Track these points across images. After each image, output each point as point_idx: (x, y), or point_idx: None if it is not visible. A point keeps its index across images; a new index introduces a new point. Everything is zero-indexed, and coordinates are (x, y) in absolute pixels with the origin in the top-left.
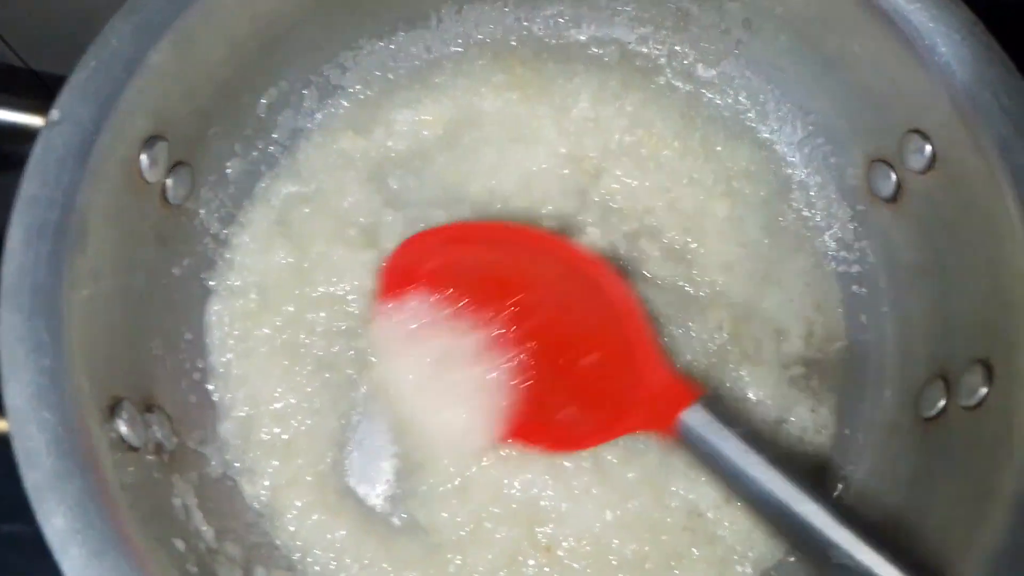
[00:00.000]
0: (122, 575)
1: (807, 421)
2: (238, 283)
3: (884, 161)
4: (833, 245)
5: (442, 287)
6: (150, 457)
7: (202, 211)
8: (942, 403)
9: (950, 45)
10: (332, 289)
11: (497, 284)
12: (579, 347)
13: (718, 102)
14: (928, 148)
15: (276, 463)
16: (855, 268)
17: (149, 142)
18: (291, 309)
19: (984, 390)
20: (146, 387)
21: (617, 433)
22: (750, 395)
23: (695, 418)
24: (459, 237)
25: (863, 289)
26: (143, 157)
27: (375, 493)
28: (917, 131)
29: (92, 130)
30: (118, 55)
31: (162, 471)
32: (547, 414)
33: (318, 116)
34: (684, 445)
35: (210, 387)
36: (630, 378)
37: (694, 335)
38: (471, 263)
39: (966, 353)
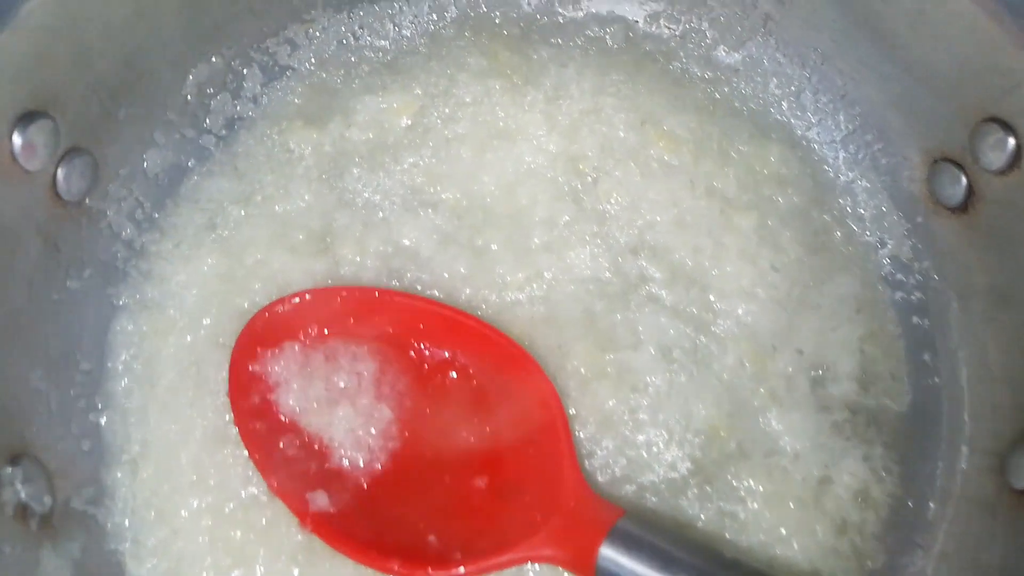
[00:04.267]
0: None
1: (859, 479)
2: (152, 295)
3: (951, 160)
4: (887, 265)
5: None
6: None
7: (110, 211)
8: None
9: None
10: (268, 299)
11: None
12: (477, 460)
13: (743, 92)
14: (1011, 141)
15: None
16: (915, 294)
17: (25, 119)
18: (211, 323)
19: None
20: (15, 431)
21: (511, 563)
22: (784, 446)
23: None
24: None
25: (926, 320)
26: (16, 138)
27: None
28: (996, 120)
29: None
30: None
31: (24, 544)
32: (422, 533)
33: (263, 100)
34: None
35: (105, 427)
36: (538, 498)
37: (709, 374)
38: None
39: None
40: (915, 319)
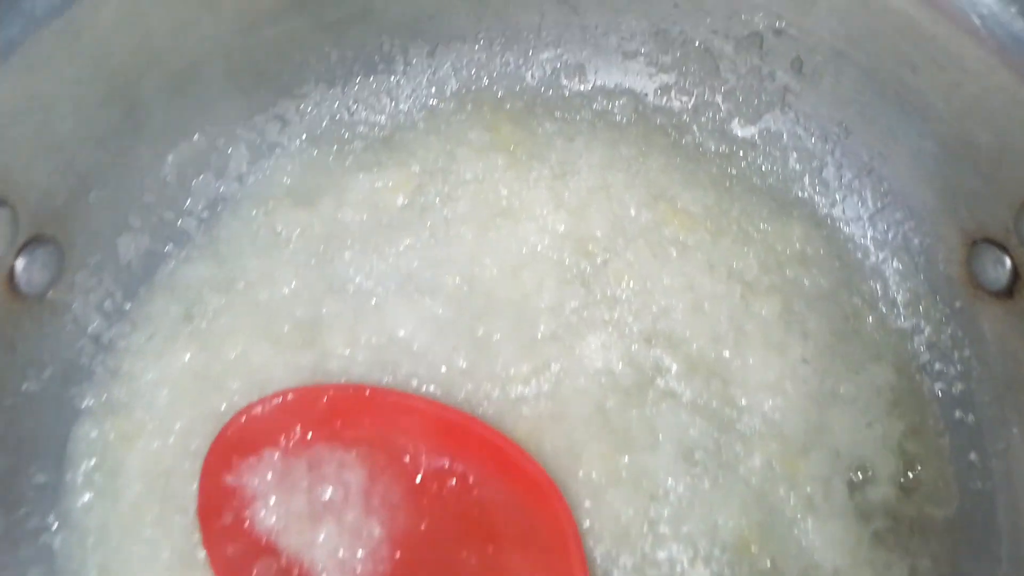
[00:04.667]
0: None
1: None
2: (120, 396)
3: (993, 241)
4: (924, 353)
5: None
6: None
7: (76, 303)
8: None
9: None
10: (248, 400)
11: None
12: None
13: (761, 167)
14: None
15: None
16: (958, 386)
17: None
18: (183, 426)
19: None
20: None
21: None
22: (822, 560)
23: None
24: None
25: (971, 415)
26: None
27: None
28: None
29: None
30: None
31: None
32: None
33: (248, 180)
34: None
35: (59, 551)
36: None
37: (735, 478)
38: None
39: None
40: (958, 413)
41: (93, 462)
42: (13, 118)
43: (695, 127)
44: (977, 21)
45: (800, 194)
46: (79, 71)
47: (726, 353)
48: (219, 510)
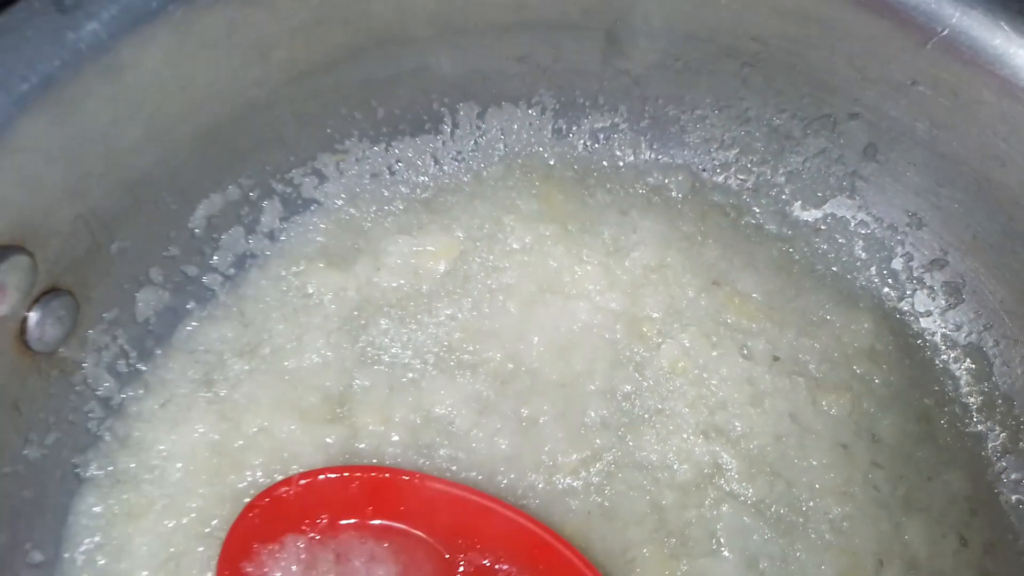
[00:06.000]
0: None
1: None
2: (129, 467)
3: None
4: (1001, 462)
5: None
6: None
7: (87, 363)
8: None
9: None
10: (270, 480)
11: None
12: None
13: (825, 254)
14: None
15: None
16: None
17: None
18: (198, 505)
19: None
20: None
21: None
22: None
23: None
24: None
25: None
26: None
27: None
28: None
29: None
30: None
31: None
32: None
33: (280, 238)
34: None
35: None
36: None
37: None
38: None
39: None
40: None
41: (96, 540)
42: (42, 157)
43: (755, 208)
44: None
45: (865, 284)
46: (116, 112)
47: (790, 453)
48: None
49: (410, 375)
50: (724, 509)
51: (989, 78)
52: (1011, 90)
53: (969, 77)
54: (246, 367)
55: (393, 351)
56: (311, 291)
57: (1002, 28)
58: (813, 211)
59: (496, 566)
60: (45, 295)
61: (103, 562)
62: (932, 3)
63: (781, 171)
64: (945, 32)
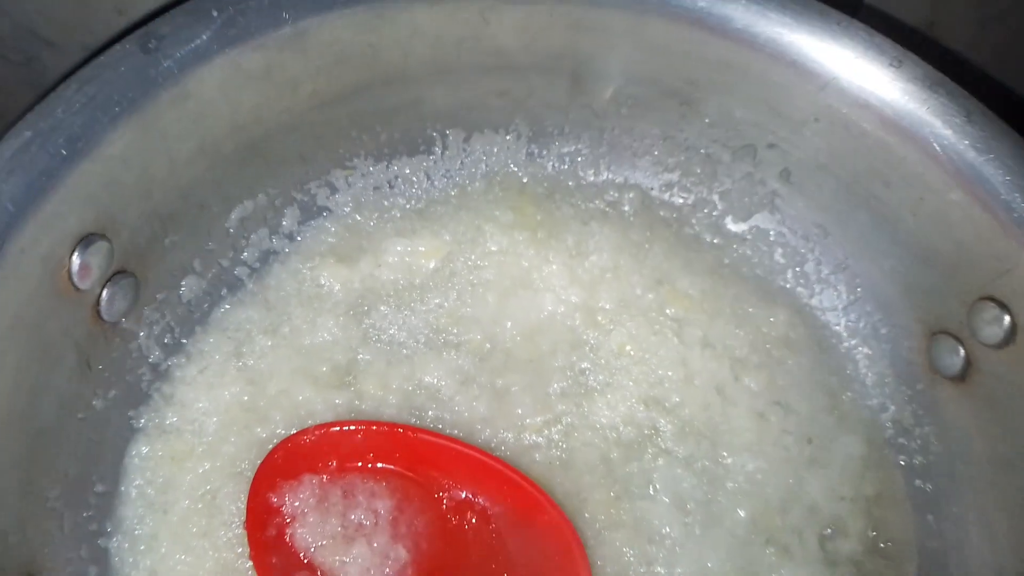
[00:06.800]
0: None
1: None
2: (173, 420)
3: (949, 333)
4: (890, 429)
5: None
6: None
7: (142, 334)
8: None
9: None
10: (289, 431)
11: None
12: None
13: (750, 259)
14: (1007, 319)
15: None
16: (918, 458)
17: (86, 241)
18: (230, 451)
19: None
20: (29, 551)
21: None
22: None
23: None
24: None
25: (929, 484)
26: (75, 258)
27: None
28: (991, 299)
29: (14, 214)
30: (62, 128)
31: None
32: None
33: (298, 238)
34: None
35: (113, 553)
36: None
37: (722, 529)
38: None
39: None
40: (918, 482)
41: (146, 477)
42: (123, 164)
43: (693, 220)
44: (938, 148)
45: (784, 285)
46: (179, 130)
47: (716, 419)
48: (264, 525)
49: (405, 352)
50: (660, 463)
51: (872, 114)
52: (889, 124)
53: (857, 113)
54: (269, 343)
55: (391, 332)
56: (323, 282)
57: (881, 75)
58: (741, 224)
59: (475, 501)
60: (115, 275)
61: (152, 494)
62: (826, 57)
63: (715, 190)
64: (837, 79)
